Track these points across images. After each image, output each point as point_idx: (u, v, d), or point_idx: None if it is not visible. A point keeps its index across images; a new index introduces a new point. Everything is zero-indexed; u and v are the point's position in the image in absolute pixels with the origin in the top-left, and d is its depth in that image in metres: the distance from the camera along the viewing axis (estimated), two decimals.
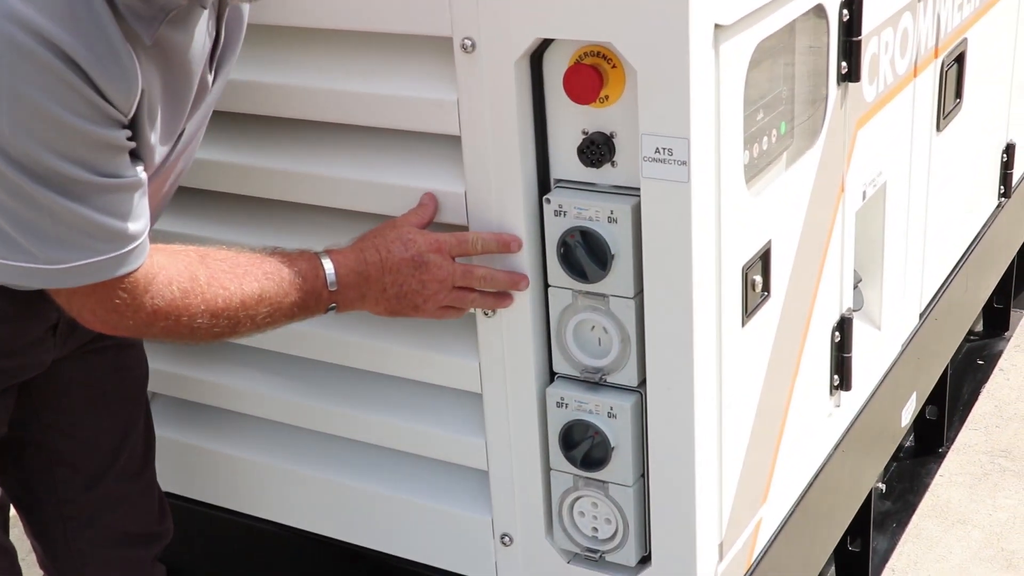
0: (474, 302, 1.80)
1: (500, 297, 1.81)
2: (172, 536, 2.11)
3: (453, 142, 1.80)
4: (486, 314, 1.86)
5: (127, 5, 1.41)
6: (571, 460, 1.87)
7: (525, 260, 1.80)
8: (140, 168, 1.51)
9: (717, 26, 1.63)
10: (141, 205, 1.51)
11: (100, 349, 1.88)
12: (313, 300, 1.69)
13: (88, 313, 1.56)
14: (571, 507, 1.92)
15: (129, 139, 1.48)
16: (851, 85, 2.08)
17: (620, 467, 1.85)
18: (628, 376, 1.81)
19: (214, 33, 1.62)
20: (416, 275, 1.74)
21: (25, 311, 1.67)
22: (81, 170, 1.41)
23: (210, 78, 1.65)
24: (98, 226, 1.45)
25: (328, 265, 1.70)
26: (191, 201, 2.07)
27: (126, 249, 1.49)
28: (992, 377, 3.48)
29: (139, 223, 1.50)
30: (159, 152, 1.57)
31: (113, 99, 1.43)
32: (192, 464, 2.30)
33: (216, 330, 1.63)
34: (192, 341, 1.64)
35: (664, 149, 1.63)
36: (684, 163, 1.63)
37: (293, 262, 1.69)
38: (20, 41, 1.33)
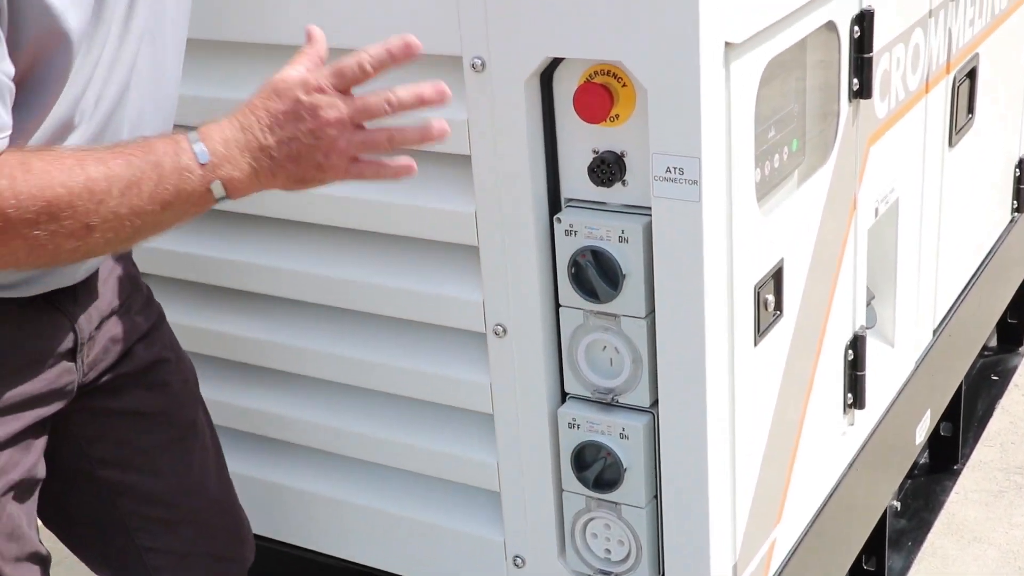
0: (392, 140, 1.51)
1: (423, 128, 1.52)
2: (252, 561, 2.01)
3: (463, 161, 1.79)
4: (496, 335, 1.85)
5: None
6: (583, 481, 1.85)
7: (536, 280, 1.79)
8: (8, 63, 1.33)
9: (728, 44, 1.62)
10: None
11: (134, 375, 1.80)
12: (184, 179, 1.42)
13: None
14: (584, 529, 1.91)
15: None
16: (863, 102, 2.07)
17: (633, 488, 1.83)
18: (640, 397, 1.79)
19: None
20: (303, 125, 1.46)
21: (32, 333, 1.63)
22: None
23: None
24: None
25: (193, 135, 1.44)
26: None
27: None
28: (1007, 392, 3.46)
29: None
30: (72, 17, 1.38)
31: None
32: None
33: (62, 231, 1.36)
34: (42, 260, 1.39)
35: (675, 168, 1.62)
36: (695, 182, 1.62)
37: (149, 141, 1.44)
38: None
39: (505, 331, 1.84)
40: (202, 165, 1.43)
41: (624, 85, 1.65)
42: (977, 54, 2.67)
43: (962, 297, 2.88)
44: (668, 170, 1.63)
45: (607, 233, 1.71)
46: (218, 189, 1.45)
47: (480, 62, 1.69)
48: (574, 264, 1.74)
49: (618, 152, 1.70)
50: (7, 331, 1.61)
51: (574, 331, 1.80)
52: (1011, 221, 3.22)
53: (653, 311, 1.74)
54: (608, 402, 1.82)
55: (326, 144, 1.47)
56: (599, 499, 1.87)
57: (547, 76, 1.70)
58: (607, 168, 1.70)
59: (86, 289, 1.71)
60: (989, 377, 3.53)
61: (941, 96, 2.50)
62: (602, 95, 1.65)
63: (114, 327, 1.76)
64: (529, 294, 1.80)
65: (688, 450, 1.78)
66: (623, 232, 1.70)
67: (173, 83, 1.68)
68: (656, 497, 1.86)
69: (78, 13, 1.39)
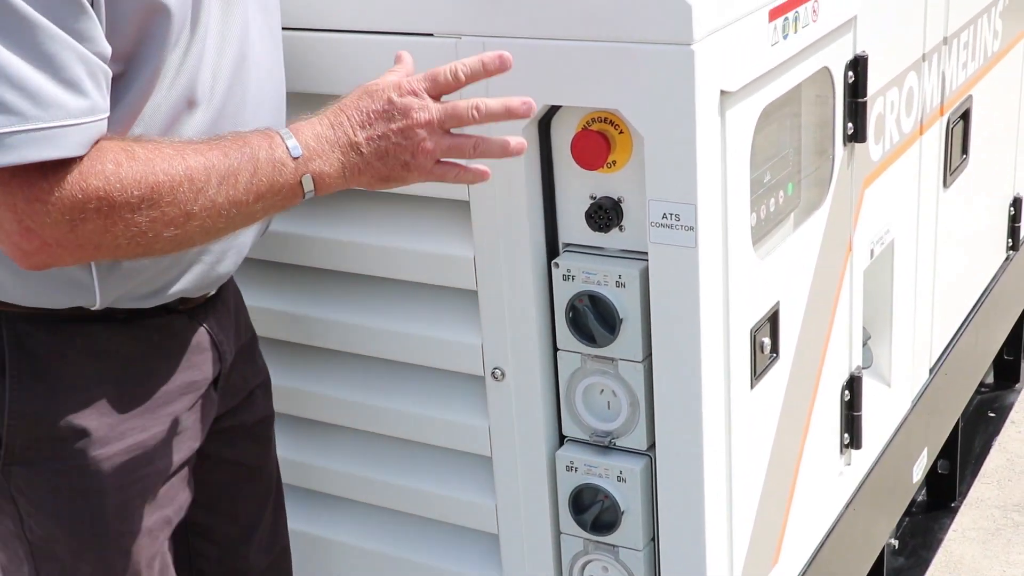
0: (477, 147, 1.55)
1: (504, 141, 1.56)
2: None
3: (462, 207, 1.81)
4: (495, 378, 1.86)
5: None
6: (581, 524, 1.86)
7: (534, 324, 1.80)
8: (104, 44, 1.34)
9: (723, 92, 1.64)
10: (93, 82, 1.32)
11: (250, 426, 1.85)
12: (277, 171, 1.45)
13: None
14: (582, 571, 1.91)
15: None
16: (857, 145, 2.10)
17: (630, 531, 1.84)
18: (637, 440, 1.81)
19: None
20: (394, 124, 1.51)
21: (188, 362, 1.67)
22: None
23: None
24: (18, 75, 1.25)
25: (285, 131, 1.48)
26: None
27: (62, 123, 1.29)
28: (1004, 429, 3.47)
29: (85, 99, 1.31)
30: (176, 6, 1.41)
31: None
32: None
33: (163, 218, 1.38)
34: (140, 249, 1.39)
35: (671, 215, 1.64)
36: (691, 228, 1.64)
37: (242, 134, 1.47)
38: None
39: (503, 374, 1.86)
40: (295, 159, 1.46)
41: (621, 132, 1.67)
42: (970, 96, 2.69)
43: (958, 335, 2.90)
44: (664, 216, 1.65)
45: (604, 278, 1.73)
46: (308, 183, 1.48)
47: None
48: (572, 308, 1.76)
49: (615, 198, 1.72)
50: (170, 361, 1.65)
51: (572, 374, 1.81)
52: (1006, 259, 3.24)
53: (650, 355, 1.75)
54: (606, 445, 1.83)
55: (414, 144, 1.51)
56: (597, 541, 1.88)
57: (545, 123, 1.72)
58: (604, 214, 1.72)
59: (226, 313, 1.75)
60: (986, 414, 3.54)
61: (935, 138, 2.52)
62: (599, 142, 1.67)
63: (243, 365, 1.81)
64: (527, 338, 1.81)
65: (685, 493, 1.79)
66: (620, 277, 1.72)
67: (281, 61, 1.69)
68: (654, 539, 1.86)
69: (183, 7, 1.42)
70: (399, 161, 1.52)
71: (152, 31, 1.41)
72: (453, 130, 1.55)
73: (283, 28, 1.76)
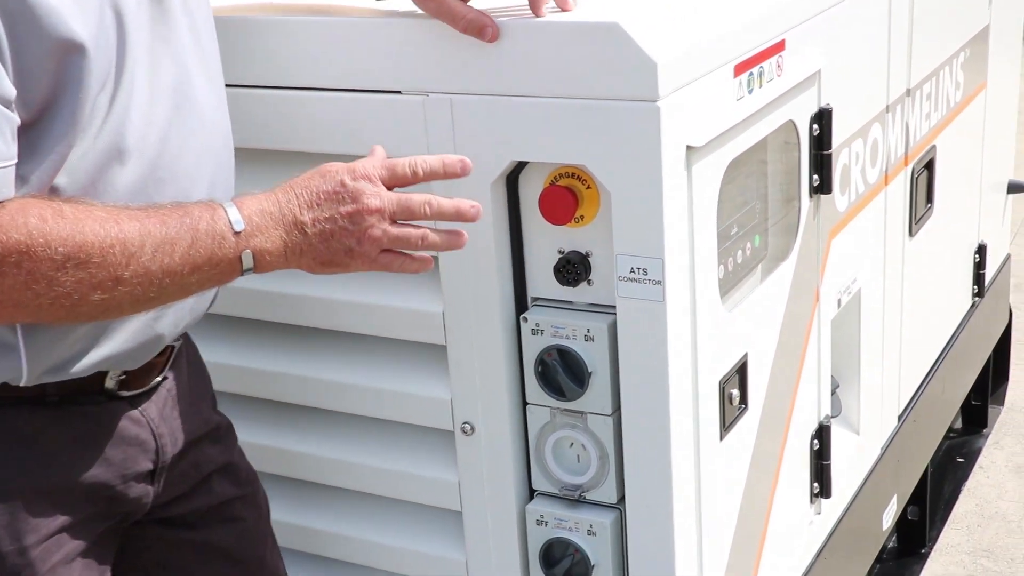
0: (424, 239, 1.53)
1: (452, 235, 1.57)
2: None
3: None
4: (464, 432, 1.86)
5: None
6: None
7: (503, 378, 1.81)
8: (8, 88, 1.30)
9: (689, 148, 1.66)
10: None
11: (212, 508, 1.75)
12: (217, 244, 1.41)
13: None
14: None
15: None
16: (823, 196, 2.12)
17: None
18: (607, 493, 1.80)
19: None
20: (343, 208, 1.47)
21: (113, 456, 1.57)
22: None
23: None
24: None
25: (228, 204, 1.44)
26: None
27: None
28: (972, 475, 3.49)
29: None
30: (79, 24, 1.34)
31: None
32: None
33: (90, 280, 1.33)
34: (63, 312, 1.34)
35: (639, 269, 1.65)
36: (659, 282, 1.65)
37: (184, 204, 1.43)
38: None
39: (473, 429, 1.85)
40: (236, 233, 1.42)
41: (588, 187, 1.68)
42: (934, 146, 2.73)
43: (926, 382, 2.92)
44: (632, 270, 1.66)
45: (573, 332, 1.74)
46: (247, 260, 1.44)
47: None
48: (541, 362, 1.76)
49: (583, 252, 1.73)
50: (100, 452, 1.56)
51: (541, 428, 1.81)
52: (972, 306, 3.27)
53: (619, 408, 1.75)
54: (575, 499, 1.83)
55: (361, 230, 1.48)
56: None
57: (513, 178, 1.73)
58: (572, 268, 1.73)
59: (173, 405, 1.66)
60: (955, 460, 3.56)
61: (900, 188, 2.55)
62: (567, 197, 1.68)
63: (196, 453, 1.71)
64: (496, 392, 1.81)
65: (655, 546, 1.79)
66: (589, 331, 1.73)
67: (227, 114, 1.65)
68: None
69: (86, 21, 1.36)
70: (343, 246, 1.48)
71: (70, 73, 1.36)
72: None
73: (253, 87, 1.76)
